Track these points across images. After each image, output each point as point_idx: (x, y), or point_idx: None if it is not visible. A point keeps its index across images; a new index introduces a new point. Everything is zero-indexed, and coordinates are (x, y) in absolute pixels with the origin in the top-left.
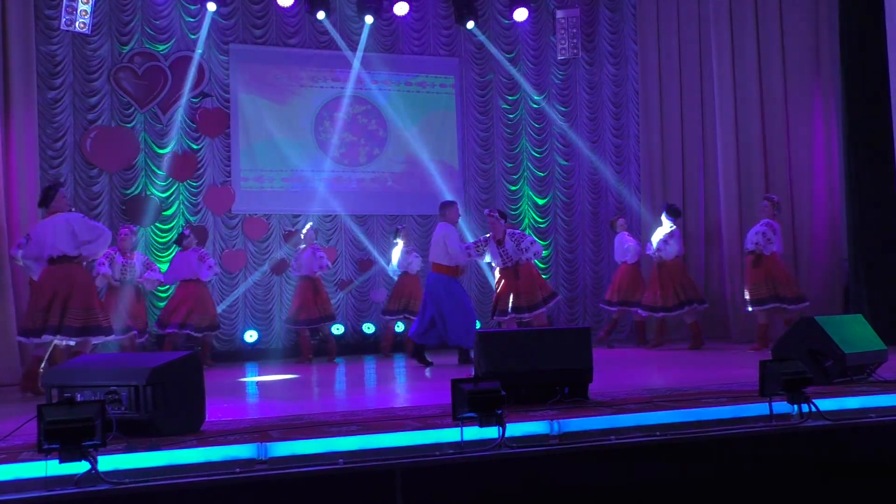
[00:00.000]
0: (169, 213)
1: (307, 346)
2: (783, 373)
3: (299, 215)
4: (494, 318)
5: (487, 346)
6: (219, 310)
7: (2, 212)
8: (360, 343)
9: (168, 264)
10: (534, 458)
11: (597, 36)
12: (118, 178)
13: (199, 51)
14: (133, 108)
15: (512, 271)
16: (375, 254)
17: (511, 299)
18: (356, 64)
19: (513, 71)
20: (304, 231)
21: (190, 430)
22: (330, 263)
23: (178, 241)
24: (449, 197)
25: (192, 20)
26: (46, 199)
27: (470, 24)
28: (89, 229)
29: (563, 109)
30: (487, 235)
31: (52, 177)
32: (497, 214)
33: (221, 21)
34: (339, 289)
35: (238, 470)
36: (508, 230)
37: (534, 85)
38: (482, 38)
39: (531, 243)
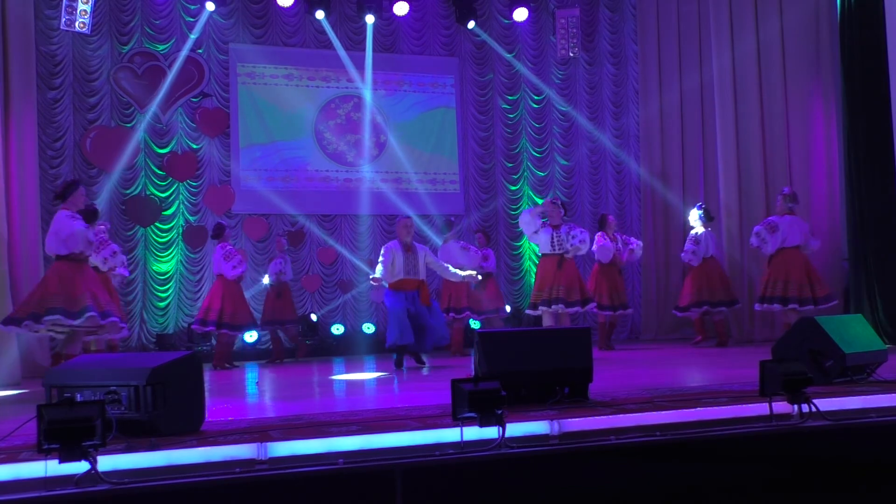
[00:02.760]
0: (169, 213)
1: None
2: (783, 373)
3: (299, 215)
4: (539, 307)
5: (487, 346)
6: None
7: (2, 211)
8: (360, 343)
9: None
10: (534, 458)
11: (597, 36)
12: (118, 179)
13: (187, 50)
14: (133, 108)
15: (557, 259)
16: (359, 261)
17: (552, 290)
18: (365, 64)
19: (519, 67)
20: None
21: (190, 430)
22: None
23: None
24: (450, 197)
25: (191, 20)
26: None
27: (471, 24)
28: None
29: (564, 109)
30: (544, 220)
31: (52, 177)
32: (559, 202)
33: (221, 21)
34: (340, 289)
35: (238, 470)
36: (567, 222)
37: (534, 85)
38: (484, 36)
39: (580, 233)
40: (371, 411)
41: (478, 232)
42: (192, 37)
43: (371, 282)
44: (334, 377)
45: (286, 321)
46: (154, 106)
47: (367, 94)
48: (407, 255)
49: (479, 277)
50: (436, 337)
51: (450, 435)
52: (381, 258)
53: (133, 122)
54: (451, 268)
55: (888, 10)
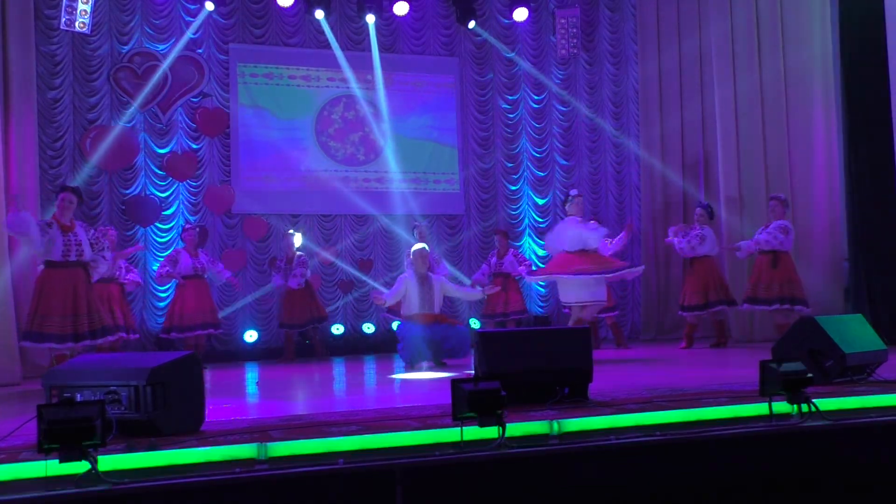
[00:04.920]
0: (169, 212)
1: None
2: (783, 373)
3: (299, 215)
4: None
5: (487, 346)
6: (225, 311)
7: (1, 212)
8: (360, 343)
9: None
10: (534, 458)
11: (597, 36)
12: (118, 178)
13: (178, 50)
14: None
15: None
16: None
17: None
18: (373, 64)
19: (521, 64)
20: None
21: (190, 430)
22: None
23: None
24: (450, 197)
25: (191, 20)
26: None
27: (471, 24)
28: None
29: (564, 109)
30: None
31: (52, 177)
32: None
33: (221, 21)
34: (340, 289)
35: (238, 470)
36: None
37: (534, 84)
38: (485, 35)
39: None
40: (371, 411)
41: (496, 233)
42: (189, 35)
43: (373, 299)
44: (395, 376)
45: (322, 319)
46: (138, 102)
47: (367, 94)
48: (422, 288)
49: (482, 293)
50: (452, 350)
51: (450, 435)
52: (395, 286)
53: (133, 123)
54: (464, 290)
55: (888, 10)
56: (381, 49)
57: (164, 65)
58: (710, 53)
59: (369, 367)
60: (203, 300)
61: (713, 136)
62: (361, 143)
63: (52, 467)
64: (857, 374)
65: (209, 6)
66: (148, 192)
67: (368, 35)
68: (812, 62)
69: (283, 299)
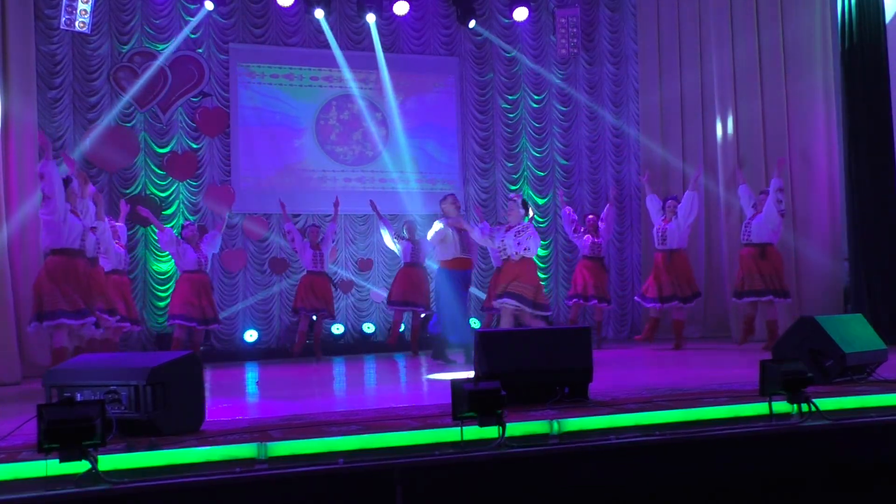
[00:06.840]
0: (169, 212)
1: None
2: (783, 372)
3: (299, 215)
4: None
5: (487, 345)
6: (225, 312)
7: (1, 211)
8: (360, 343)
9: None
10: (534, 458)
11: (597, 35)
12: (118, 178)
13: (175, 47)
14: (133, 108)
15: (667, 255)
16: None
17: (663, 287)
18: (378, 64)
19: (524, 61)
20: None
21: (190, 429)
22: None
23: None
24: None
25: (192, 20)
26: None
27: (472, 24)
28: None
29: (564, 109)
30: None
31: None
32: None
33: (221, 21)
34: (340, 289)
35: (238, 470)
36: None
37: (533, 84)
38: (486, 34)
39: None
40: (371, 411)
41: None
42: (185, 31)
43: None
44: (428, 377)
45: (330, 315)
46: (131, 93)
47: (368, 94)
48: (460, 232)
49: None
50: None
51: (450, 435)
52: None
53: (133, 122)
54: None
55: (888, 9)
56: (382, 48)
57: (161, 60)
58: (710, 52)
59: (369, 367)
60: (203, 296)
61: (713, 139)
62: (361, 142)
63: (52, 467)
64: (857, 373)
65: (209, 6)
66: (148, 192)
67: (368, 35)
68: (812, 63)
69: (301, 282)
